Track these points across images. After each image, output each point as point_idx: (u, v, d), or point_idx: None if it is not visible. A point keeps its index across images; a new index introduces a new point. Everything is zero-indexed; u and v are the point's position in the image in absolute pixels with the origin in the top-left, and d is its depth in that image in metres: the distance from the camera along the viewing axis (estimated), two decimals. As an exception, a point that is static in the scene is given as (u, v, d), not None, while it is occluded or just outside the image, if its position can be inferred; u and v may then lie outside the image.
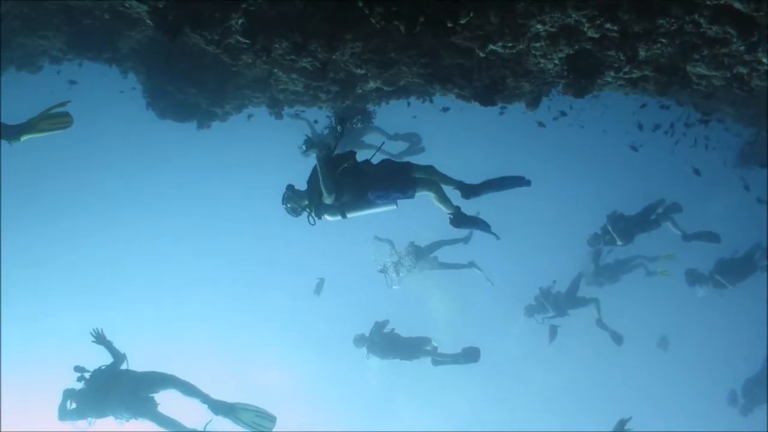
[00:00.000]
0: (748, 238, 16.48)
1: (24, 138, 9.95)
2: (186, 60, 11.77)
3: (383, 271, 18.30)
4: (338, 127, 9.25)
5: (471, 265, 19.35)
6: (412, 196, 8.30)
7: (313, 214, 8.34)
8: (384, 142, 13.42)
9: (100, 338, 10.83)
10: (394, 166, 8.62)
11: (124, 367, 10.99)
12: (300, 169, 8.81)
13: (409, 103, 12.97)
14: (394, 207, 8.42)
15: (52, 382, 10.72)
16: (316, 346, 26.07)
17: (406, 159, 9.54)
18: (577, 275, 19.34)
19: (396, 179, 8.23)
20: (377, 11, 7.00)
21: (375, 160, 8.90)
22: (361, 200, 8.25)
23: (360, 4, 6.97)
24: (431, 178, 8.42)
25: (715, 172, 16.73)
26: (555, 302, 19.03)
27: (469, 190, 8.52)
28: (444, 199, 8.37)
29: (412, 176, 8.32)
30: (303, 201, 8.53)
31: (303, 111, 12.84)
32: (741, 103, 12.15)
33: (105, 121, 13.42)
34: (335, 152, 8.66)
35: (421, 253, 18.74)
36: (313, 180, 8.40)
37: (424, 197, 8.41)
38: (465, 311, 25.38)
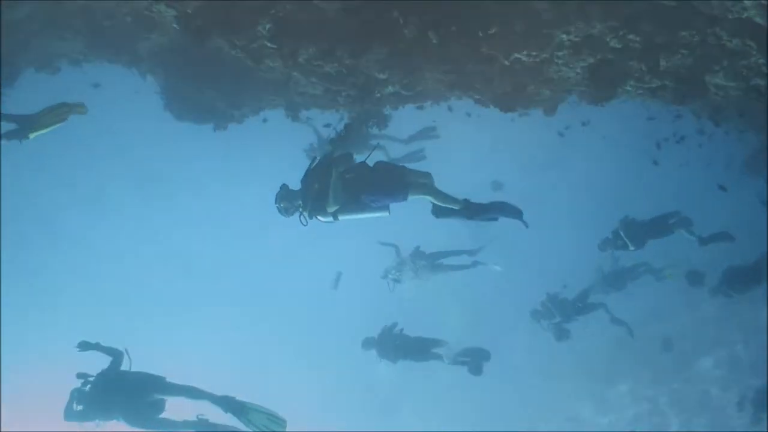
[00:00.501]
0: (758, 247, 16.82)
1: (32, 135, 10.32)
2: (205, 62, 12.14)
3: (386, 276, 18.64)
4: (342, 132, 9.39)
5: (475, 264, 19.71)
6: (404, 199, 8.44)
7: (305, 214, 8.47)
8: (378, 143, 13.75)
9: (84, 345, 10.76)
10: (388, 169, 8.72)
11: (126, 365, 10.93)
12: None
13: (422, 107, 13.28)
14: (387, 213, 8.58)
15: (53, 382, 10.85)
16: (321, 346, 26.26)
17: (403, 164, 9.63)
18: (589, 285, 19.71)
19: (388, 182, 8.37)
20: (412, 21, 7.45)
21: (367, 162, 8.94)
22: (354, 203, 8.37)
23: (395, 14, 7.43)
24: (423, 183, 8.55)
25: (723, 180, 17.12)
26: (562, 308, 19.35)
27: (469, 210, 8.47)
28: (445, 197, 8.48)
29: (405, 180, 8.44)
30: (296, 201, 8.64)
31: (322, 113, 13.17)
32: (751, 112, 12.62)
33: (121, 121, 13.74)
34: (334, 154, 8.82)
35: (426, 259, 19.07)
36: (308, 180, 8.54)
37: (423, 201, 8.53)
38: (471, 313, 25.76)
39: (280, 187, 8.86)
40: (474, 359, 16.02)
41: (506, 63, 9.08)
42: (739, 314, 17.65)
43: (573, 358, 23.39)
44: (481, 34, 7.83)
